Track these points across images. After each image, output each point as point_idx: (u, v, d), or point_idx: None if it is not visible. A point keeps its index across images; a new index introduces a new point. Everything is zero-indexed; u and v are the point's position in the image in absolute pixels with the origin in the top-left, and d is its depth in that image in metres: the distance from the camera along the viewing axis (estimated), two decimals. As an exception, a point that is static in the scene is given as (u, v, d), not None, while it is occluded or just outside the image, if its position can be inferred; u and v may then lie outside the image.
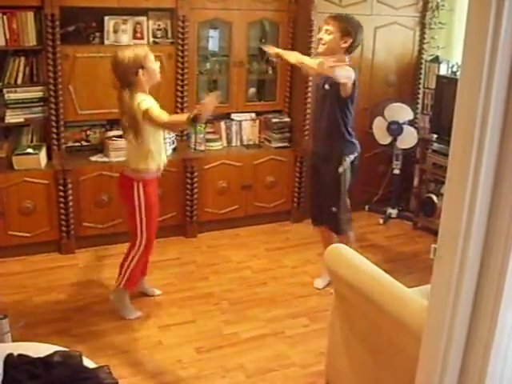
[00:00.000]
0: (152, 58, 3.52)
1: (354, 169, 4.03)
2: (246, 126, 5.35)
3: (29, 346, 2.53)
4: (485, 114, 1.57)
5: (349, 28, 3.77)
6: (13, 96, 4.42)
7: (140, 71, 3.43)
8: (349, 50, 3.84)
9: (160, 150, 3.64)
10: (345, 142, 3.95)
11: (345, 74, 3.68)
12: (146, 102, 3.41)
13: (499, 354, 1.76)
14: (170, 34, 4.83)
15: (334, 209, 4.04)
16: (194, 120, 3.23)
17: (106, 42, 4.62)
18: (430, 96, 5.63)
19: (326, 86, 3.87)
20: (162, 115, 3.39)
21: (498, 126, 1.59)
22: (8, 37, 4.28)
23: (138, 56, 3.44)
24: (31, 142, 4.66)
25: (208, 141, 5.14)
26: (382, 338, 2.62)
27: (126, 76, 3.43)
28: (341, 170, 3.95)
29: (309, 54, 5.04)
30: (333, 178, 3.99)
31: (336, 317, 3.03)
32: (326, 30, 3.80)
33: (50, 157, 4.61)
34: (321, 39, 3.84)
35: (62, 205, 4.52)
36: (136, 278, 3.83)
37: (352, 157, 3.98)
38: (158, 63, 3.60)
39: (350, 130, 3.94)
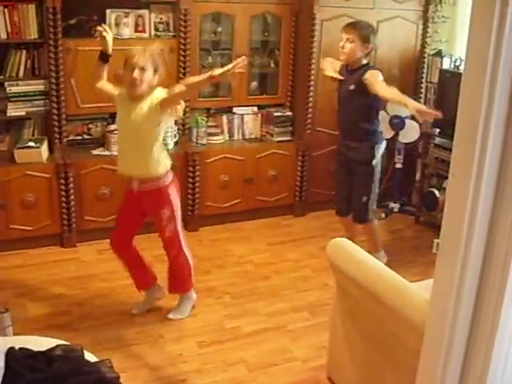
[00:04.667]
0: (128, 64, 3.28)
1: (383, 160, 4.32)
2: (248, 119, 5.34)
3: (30, 340, 2.53)
4: (489, 108, 1.56)
5: (369, 35, 4.02)
6: (14, 89, 4.41)
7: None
8: (368, 55, 4.11)
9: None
10: (375, 135, 4.20)
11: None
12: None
13: (502, 349, 1.76)
14: (171, 28, 4.82)
15: (364, 198, 4.25)
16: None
17: (108, 36, 4.61)
18: (432, 90, 5.61)
19: (351, 87, 4.07)
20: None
21: (502, 121, 1.58)
22: (9, 30, 4.27)
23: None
24: (33, 135, 4.66)
25: (210, 135, 5.13)
26: (384, 332, 2.62)
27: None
28: (374, 162, 4.17)
29: (311, 48, 5.05)
30: (366, 170, 4.20)
31: (338, 311, 3.02)
32: (348, 39, 4.01)
33: (51, 150, 4.60)
34: (343, 47, 4.04)
35: (63, 198, 4.51)
36: None
37: (383, 148, 4.24)
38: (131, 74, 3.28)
39: (379, 123, 4.25)
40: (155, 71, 3.32)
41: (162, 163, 3.45)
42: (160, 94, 3.33)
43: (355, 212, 4.36)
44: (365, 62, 4.07)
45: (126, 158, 3.46)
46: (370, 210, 4.31)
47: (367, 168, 4.19)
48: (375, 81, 3.94)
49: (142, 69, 3.23)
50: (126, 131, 3.41)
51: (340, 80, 4.21)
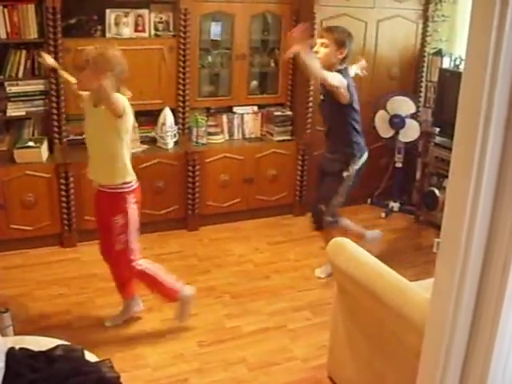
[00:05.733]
0: None
1: (358, 174, 4.11)
2: (248, 119, 5.34)
3: (31, 340, 2.53)
4: (489, 107, 1.56)
5: (344, 39, 3.87)
6: (14, 89, 4.41)
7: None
8: (344, 60, 3.93)
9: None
10: (351, 147, 4.04)
11: (337, 79, 3.79)
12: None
13: (503, 349, 1.76)
14: (171, 27, 4.81)
15: (322, 207, 4.10)
16: None
17: (108, 35, 4.61)
18: (432, 89, 5.61)
19: (321, 97, 3.99)
20: None
21: (502, 120, 1.58)
22: (9, 30, 4.26)
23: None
24: (32, 135, 4.65)
25: (210, 134, 5.14)
26: (384, 332, 2.62)
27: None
28: (345, 174, 4.02)
29: (311, 47, 5.03)
30: (334, 179, 4.06)
31: (338, 310, 3.02)
32: (322, 44, 3.89)
33: (51, 150, 4.60)
34: (317, 52, 3.90)
35: (63, 198, 4.51)
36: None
37: (359, 163, 4.06)
38: None
39: (358, 135, 4.05)
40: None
41: (121, 172, 3.36)
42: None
43: (313, 218, 4.26)
44: (340, 67, 3.91)
45: (92, 163, 3.44)
46: (325, 221, 4.13)
47: (335, 178, 4.05)
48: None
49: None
50: (91, 136, 3.41)
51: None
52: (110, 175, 3.35)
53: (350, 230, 4.34)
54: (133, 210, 3.40)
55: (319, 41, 3.93)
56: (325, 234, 4.21)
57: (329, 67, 3.89)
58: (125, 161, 3.34)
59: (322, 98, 4.03)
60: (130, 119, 3.27)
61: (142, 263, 3.50)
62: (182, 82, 4.81)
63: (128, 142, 3.35)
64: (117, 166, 3.32)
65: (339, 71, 3.89)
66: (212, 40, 5.07)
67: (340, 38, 3.86)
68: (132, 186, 3.39)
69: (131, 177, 3.38)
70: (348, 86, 3.86)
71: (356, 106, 3.99)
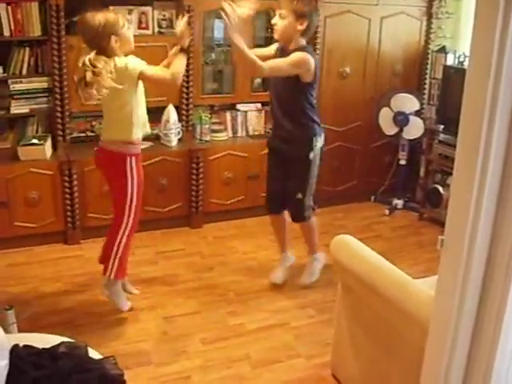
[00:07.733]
0: (125, 25, 3.36)
1: (321, 154, 3.94)
2: (252, 116, 5.33)
3: (34, 337, 2.53)
4: (493, 104, 1.55)
5: (304, 9, 3.51)
6: (18, 87, 4.41)
7: (113, 38, 3.28)
8: (305, 34, 3.62)
9: (145, 116, 3.53)
10: (312, 126, 3.83)
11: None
12: (136, 62, 3.34)
13: (507, 346, 1.75)
14: (175, 24, 4.81)
15: (299, 195, 3.91)
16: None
17: (111, 32, 4.61)
18: (436, 86, 5.60)
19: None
20: (162, 71, 3.47)
21: (507, 116, 1.57)
22: (13, 27, 4.27)
23: (110, 22, 3.29)
24: (36, 132, 4.66)
25: (213, 131, 5.14)
26: (388, 329, 2.61)
27: (97, 41, 3.30)
28: (311, 155, 3.82)
29: (314, 44, 5.04)
30: (302, 163, 3.86)
31: (342, 308, 3.02)
32: (280, 14, 3.55)
33: (55, 147, 4.61)
34: (275, 24, 3.61)
35: (67, 195, 4.52)
36: (126, 264, 3.67)
37: (320, 141, 3.87)
38: (132, 30, 3.37)
39: (315, 113, 3.86)
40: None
41: (128, 129, 3.43)
42: (135, 61, 3.35)
43: (290, 209, 4.07)
44: (303, 42, 3.62)
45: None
46: (307, 208, 3.98)
47: (303, 161, 3.85)
48: (283, 59, 3.52)
49: None
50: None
51: None
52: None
53: (311, 234, 4.22)
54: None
55: (277, 11, 3.58)
56: (305, 227, 4.16)
57: (288, 41, 3.62)
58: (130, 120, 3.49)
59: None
60: None
61: None
62: (185, 79, 4.80)
63: None
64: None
65: (302, 48, 3.59)
66: (215, 37, 5.06)
67: (299, 8, 3.48)
68: None
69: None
70: (316, 66, 3.62)
71: (314, 86, 3.77)
